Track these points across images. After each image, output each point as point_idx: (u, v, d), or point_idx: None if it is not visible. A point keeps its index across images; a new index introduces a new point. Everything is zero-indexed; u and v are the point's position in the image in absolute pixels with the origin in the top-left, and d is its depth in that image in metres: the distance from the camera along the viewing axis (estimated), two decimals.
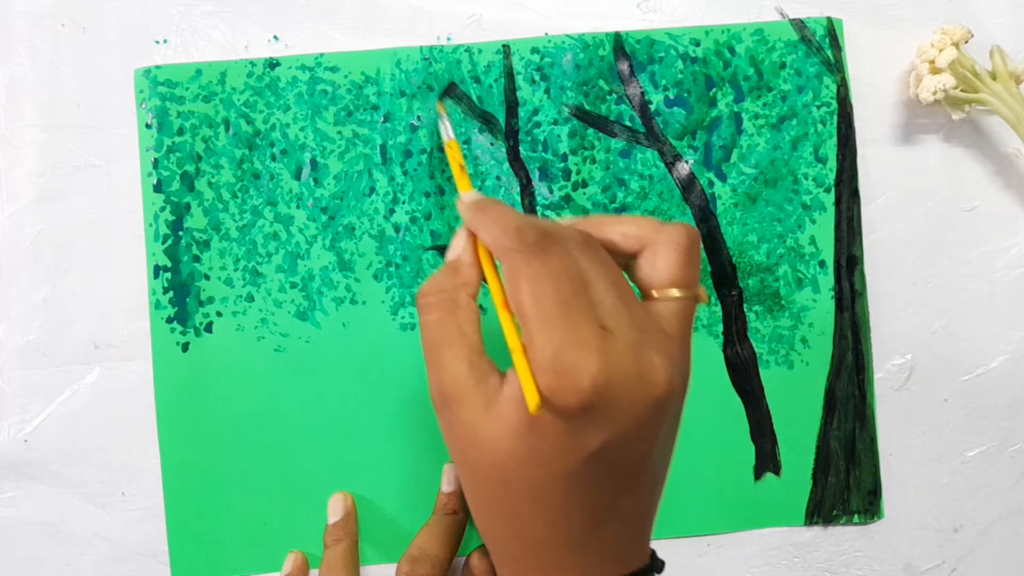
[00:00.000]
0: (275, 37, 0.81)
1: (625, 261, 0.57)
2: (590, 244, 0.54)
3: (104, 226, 0.80)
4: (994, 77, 0.79)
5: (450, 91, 0.80)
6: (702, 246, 0.77)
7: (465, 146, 0.80)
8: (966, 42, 0.78)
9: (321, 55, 0.80)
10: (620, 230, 0.57)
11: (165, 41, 0.81)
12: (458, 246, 0.59)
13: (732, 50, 0.81)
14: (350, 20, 0.82)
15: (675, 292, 0.55)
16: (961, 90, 0.78)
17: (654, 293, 0.55)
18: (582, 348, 0.48)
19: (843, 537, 0.82)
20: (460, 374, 0.53)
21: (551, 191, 0.80)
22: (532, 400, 0.48)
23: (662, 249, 0.55)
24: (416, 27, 0.82)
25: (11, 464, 0.80)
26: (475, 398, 0.52)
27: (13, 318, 0.80)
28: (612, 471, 0.52)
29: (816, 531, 0.82)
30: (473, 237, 0.58)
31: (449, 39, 0.81)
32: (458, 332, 0.55)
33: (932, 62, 0.78)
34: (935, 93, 0.78)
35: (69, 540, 0.80)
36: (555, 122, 0.80)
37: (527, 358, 0.50)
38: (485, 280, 0.58)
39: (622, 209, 0.80)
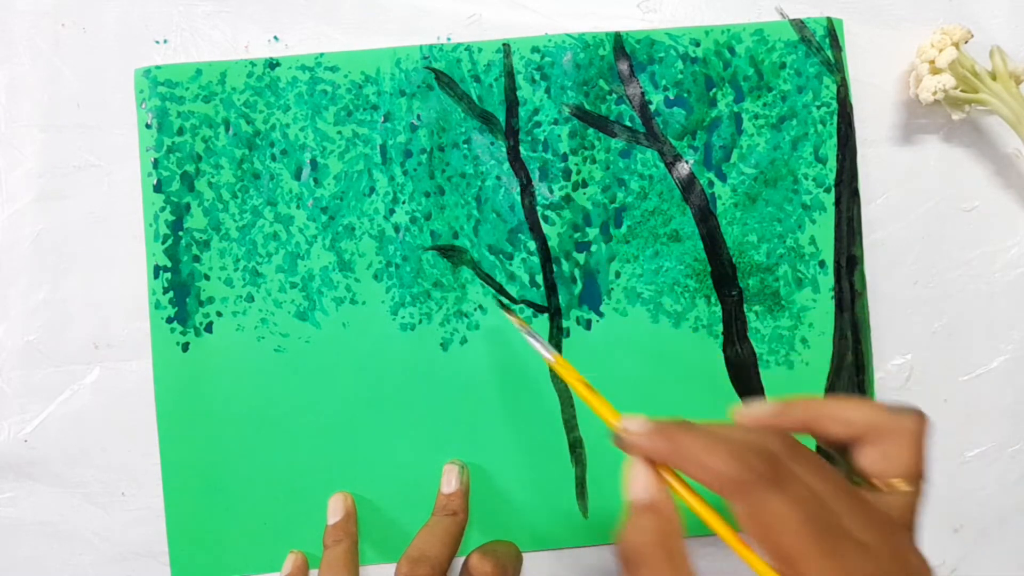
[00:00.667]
0: (275, 37, 0.81)
1: (838, 446, 0.55)
2: (804, 453, 0.51)
3: (104, 226, 0.80)
4: (994, 77, 0.79)
5: (497, 292, 0.80)
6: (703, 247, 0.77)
7: (465, 146, 0.80)
8: (966, 42, 0.78)
9: (321, 55, 0.80)
10: (843, 417, 0.53)
11: (165, 41, 0.81)
12: (645, 484, 0.53)
13: (732, 50, 0.81)
14: (350, 20, 0.82)
15: (905, 485, 0.52)
16: (961, 90, 0.78)
17: (881, 484, 0.52)
18: (859, 574, 0.46)
19: None
20: None
21: (551, 191, 0.79)
22: None
23: (897, 440, 0.52)
24: (416, 27, 0.82)
25: (11, 464, 0.80)
26: None
27: (13, 318, 0.80)
28: None
29: None
30: (657, 472, 0.54)
31: (449, 39, 0.81)
32: None
33: (932, 62, 0.78)
34: (935, 93, 0.78)
35: (69, 540, 0.80)
36: (555, 122, 0.80)
37: None
38: None
39: (622, 209, 0.80)
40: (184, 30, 0.81)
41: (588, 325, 0.80)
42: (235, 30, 0.81)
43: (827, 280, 0.81)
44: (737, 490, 0.48)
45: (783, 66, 0.81)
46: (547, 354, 0.67)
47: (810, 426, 0.54)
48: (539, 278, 0.80)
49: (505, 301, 0.79)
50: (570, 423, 0.79)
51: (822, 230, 0.81)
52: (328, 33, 0.81)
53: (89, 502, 0.80)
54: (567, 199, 0.80)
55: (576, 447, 0.79)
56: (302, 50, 0.81)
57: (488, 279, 0.79)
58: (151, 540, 0.80)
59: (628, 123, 0.80)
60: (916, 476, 0.52)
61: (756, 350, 0.81)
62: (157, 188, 0.79)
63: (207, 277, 0.79)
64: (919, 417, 0.53)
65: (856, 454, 0.53)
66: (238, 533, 0.79)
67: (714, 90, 0.80)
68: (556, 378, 0.80)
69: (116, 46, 0.81)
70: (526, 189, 0.80)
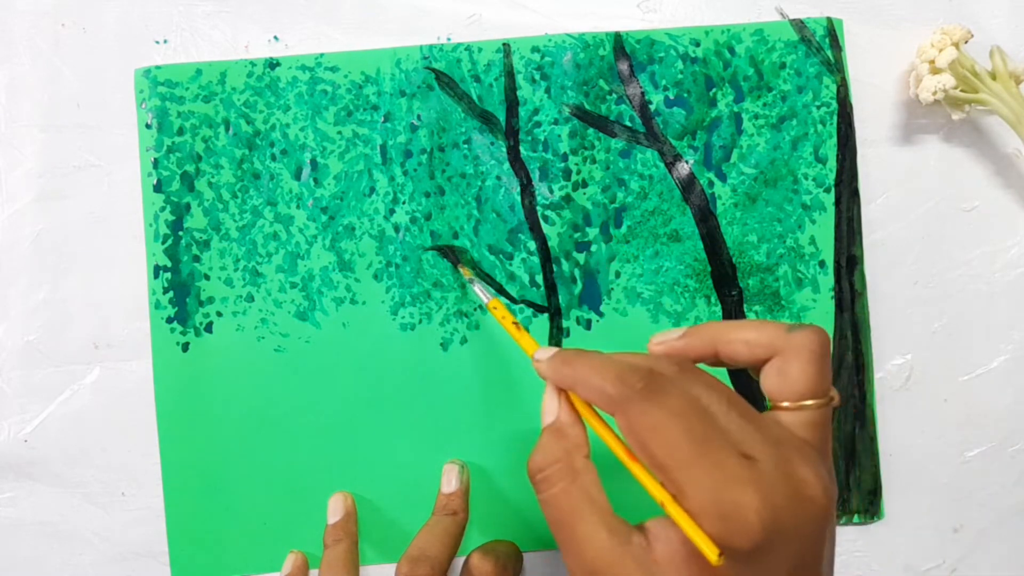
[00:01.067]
0: (275, 37, 0.81)
1: (743, 368, 0.56)
2: (692, 371, 0.52)
3: (104, 226, 0.81)
4: (994, 77, 0.79)
5: (461, 254, 0.80)
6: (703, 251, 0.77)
7: (466, 146, 0.80)
8: (966, 42, 0.78)
9: (321, 55, 0.80)
10: (742, 338, 0.54)
11: (165, 41, 0.81)
12: (552, 408, 0.57)
13: (732, 50, 0.81)
14: (350, 20, 0.82)
15: (809, 402, 0.52)
16: (961, 90, 0.78)
17: (785, 404, 0.52)
18: (736, 484, 0.46)
19: (843, 537, 0.82)
20: (603, 546, 0.50)
21: (551, 191, 0.80)
22: (712, 553, 0.45)
23: (794, 359, 0.52)
24: (416, 27, 0.82)
25: (11, 464, 0.80)
26: (628, 566, 0.49)
27: (13, 318, 0.80)
28: None
29: None
30: (565, 395, 0.57)
31: (449, 39, 0.81)
32: (587, 500, 0.52)
33: (932, 62, 0.78)
34: (935, 93, 0.78)
35: (69, 540, 0.80)
36: (555, 122, 0.80)
37: (683, 508, 0.47)
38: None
39: (622, 209, 0.80)
40: (184, 30, 0.81)
41: (588, 325, 0.80)
42: (235, 30, 0.81)
43: (827, 280, 0.81)
44: (617, 405, 0.50)
45: (783, 66, 0.81)
46: (484, 297, 0.72)
47: (717, 349, 0.55)
48: (539, 278, 0.80)
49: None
50: None
51: (822, 230, 0.81)
52: (328, 33, 0.81)
53: (89, 502, 0.80)
54: (567, 199, 0.80)
55: None
56: (302, 50, 0.81)
57: (490, 279, 0.80)
58: (151, 540, 0.80)
59: (628, 123, 0.80)
60: (816, 394, 0.52)
61: None
62: (157, 188, 0.79)
63: (207, 277, 0.79)
64: (815, 333, 0.53)
65: (760, 377, 0.54)
66: (238, 533, 0.79)
67: (714, 90, 0.81)
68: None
69: (116, 46, 0.81)
70: (526, 189, 0.80)
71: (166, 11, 0.81)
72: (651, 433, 0.48)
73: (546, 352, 0.58)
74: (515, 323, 0.66)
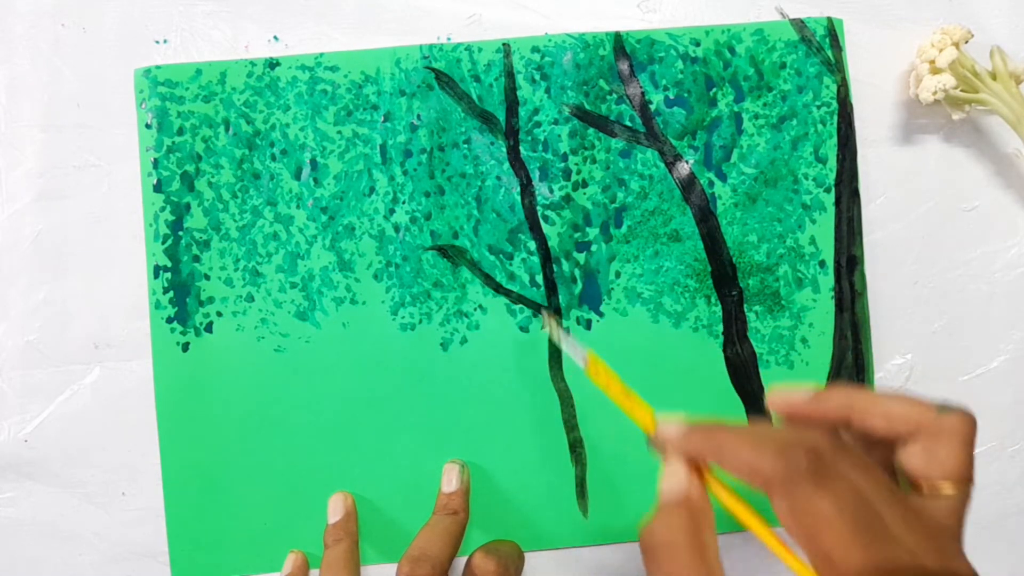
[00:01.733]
0: (275, 37, 0.81)
1: (878, 441, 0.54)
2: (848, 451, 0.50)
3: (104, 226, 0.81)
4: (994, 77, 0.79)
5: (549, 312, 0.80)
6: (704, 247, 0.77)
7: (465, 146, 0.80)
8: (966, 42, 0.78)
9: (321, 55, 0.80)
10: (883, 411, 0.52)
11: (165, 41, 0.81)
12: (680, 479, 0.54)
13: (732, 50, 0.81)
14: (350, 20, 0.82)
15: (950, 488, 0.50)
16: (961, 90, 0.79)
17: (925, 486, 0.50)
18: None
19: None
20: None
21: (551, 191, 0.80)
22: None
23: (945, 440, 0.50)
24: (416, 27, 0.82)
25: (11, 464, 0.80)
26: None
27: (13, 318, 0.80)
28: None
29: None
30: (696, 468, 0.54)
31: (449, 39, 0.81)
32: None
33: (932, 62, 0.78)
34: (935, 93, 0.78)
35: (69, 540, 0.80)
36: (555, 122, 0.80)
37: None
38: None
39: (622, 209, 0.80)
40: (184, 30, 0.81)
41: (588, 325, 0.80)
42: (235, 30, 0.81)
43: (827, 280, 0.81)
44: (780, 486, 0.48)
45: (783, 66, 0.81)
46: (578, 354, 0.68)
47: (850, 417, 0.53)
48: (539, 278, 0.80)
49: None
50: (570, 423, 0.79)
51: (822, 230, 0.81)
52: (328, 33, 0.81)
53: (89, 502, 0.80)
54: (567, 199, 0.80)
55: (576, 447, 0.79)
56: (302, 50, 0.81)
57: (489, 278, 0.80)
58: (151, 540, 0.80)
59: (628, 123, 0.80)
60: (962, 479, 0.50)
61: (756, 350, 0.81)
62: (157, 188, 0.79)
63: (207, 277, 0.79)
64: (967, 417, 0.51)
65: (899, 452, 0.52)
66: (238, 533, 0.79)
67: (714, 90, 0.81)
68: (556, 378, 0.80)
69: (116, 46, 0.81)
70: (526, 189, 0.80)
71: (166, 11, 0.81)
72: (819, 521, 0.46)
73: (675, 425, 0.56)
74: (624, 390, 0.64)
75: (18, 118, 0.81)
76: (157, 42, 0.81)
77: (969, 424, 0.51)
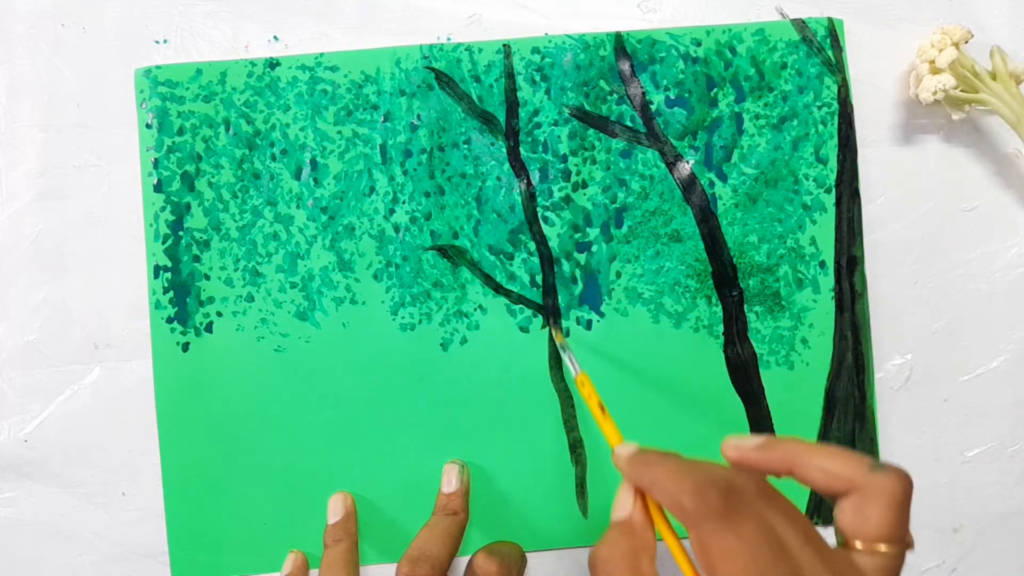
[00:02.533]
0: (275, 37, 0.82)
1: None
2: (772, 496, 0.51)
3: (104, 226, 0.81)
4: (994, 77, 0.79)
5: (555, 315, 0.81)
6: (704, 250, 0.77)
7: (465, 146, 0.80)
8: (966, 42, 0.78)
9: (321, 55, 0.80)
10: (820, 466, 0.52)
11: (165, 41, 0.81)
12: (625, 504, 0.56)
13: (733, 50, 0.81)
14: (350, 20, 0.82)
15: (883, 548, 0.49)
16: (961, 90, 0.79)
17: (858, 544, 0.50)
18: None
19: None
20: None
21: (551, 192, 0.80)
22: None
23: (875, 500, 0.50)
24: (416, 27, 0.82)
25: (11, 464, 0.80)
26: None
27: (13, 318, 0.81)
28: None
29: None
30: (641, 494, 0.56)
31: (449, 39, 0.81)
32: None
33: (932, 62, 0.78)
34: (935, 93, 0.78)
35: (69, 540, 0.81)
36: (555, 123, 0.80)
37: None
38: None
39: (623, 209, 0.80)
40: (184, 30, 0.81)
41: (588, 325, 0.80)
42: (235, 30, 0.82)
43: (827, 280, 0.81)
44: (691, 520, 0.49)
45: (784, 66, 0.81)
46: (574, 369, 0.69)
47: (792, 469, 0.53)
48: (539, 278, 0.80)
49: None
50: (570, 423, 0.80)
51: (822, 230, 0.81)
52: (328, 33, 0.82)
53: (89, 502, 0.80)
54: (567, 200, 0.80)
55: (576, 447, 0.80)
56: (302, 50, 0.81)
57: (489, 279, 0.80)
58: (151, 540, 0.80)
59: (629, 123, 0.80)
60: (892, 540, 0.50)
61: (756, 350, 0.81)
62: (157, 188, 0.79)
63: (207, 277, 0.79)
64: (900, 478, 0.50)
65: (835, 508, 0.52)
66: (238, 533, 0.79)
67: (715, 90, 0.81)
68: (556, 378, 0.80)
69: (116, 46, 0.81)
70: (526, 190, 0.80)
71: (166, 11, 0.81)
72: (721, 557, 0.47)
73: (628, 448, 0.57)
74: (601, 405, 0.65)
75: (18, 118, 0.81)
76: (157, 42, 0.81)
77: (902, 485, 0.50)
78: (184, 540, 0.79)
